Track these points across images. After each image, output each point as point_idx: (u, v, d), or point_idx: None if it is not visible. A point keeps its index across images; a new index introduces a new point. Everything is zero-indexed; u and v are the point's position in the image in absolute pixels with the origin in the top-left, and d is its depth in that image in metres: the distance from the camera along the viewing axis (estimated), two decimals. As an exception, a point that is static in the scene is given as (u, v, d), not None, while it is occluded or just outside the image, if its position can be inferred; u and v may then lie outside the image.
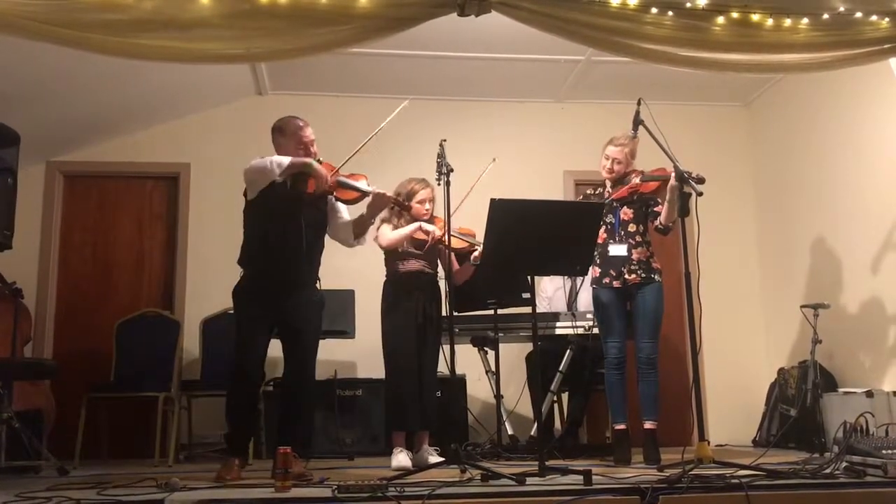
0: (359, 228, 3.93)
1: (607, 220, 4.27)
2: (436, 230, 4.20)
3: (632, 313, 4.27)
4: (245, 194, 3.79)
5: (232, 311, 3.86)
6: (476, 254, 4.24)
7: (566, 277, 5.28)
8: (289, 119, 3.85)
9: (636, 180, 4.22)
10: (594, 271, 4.33)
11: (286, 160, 3.67)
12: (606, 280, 4.26)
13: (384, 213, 4.39)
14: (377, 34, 3.81)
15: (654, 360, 4.20)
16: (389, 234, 4.25)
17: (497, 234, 3.54)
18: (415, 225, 4.23)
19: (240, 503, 2.83)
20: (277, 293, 3.68)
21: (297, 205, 3.71)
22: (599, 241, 4.29)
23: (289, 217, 3.69)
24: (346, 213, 3.98)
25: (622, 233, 4.28)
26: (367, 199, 3.88)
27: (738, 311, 6.12)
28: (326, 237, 3.97)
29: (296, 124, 3.82)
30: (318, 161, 3.77)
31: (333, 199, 3.89)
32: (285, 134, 3.81)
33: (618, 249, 4.24)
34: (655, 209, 4.28)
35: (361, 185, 3.84)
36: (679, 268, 3.82)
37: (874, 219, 4.90)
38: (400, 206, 3.97)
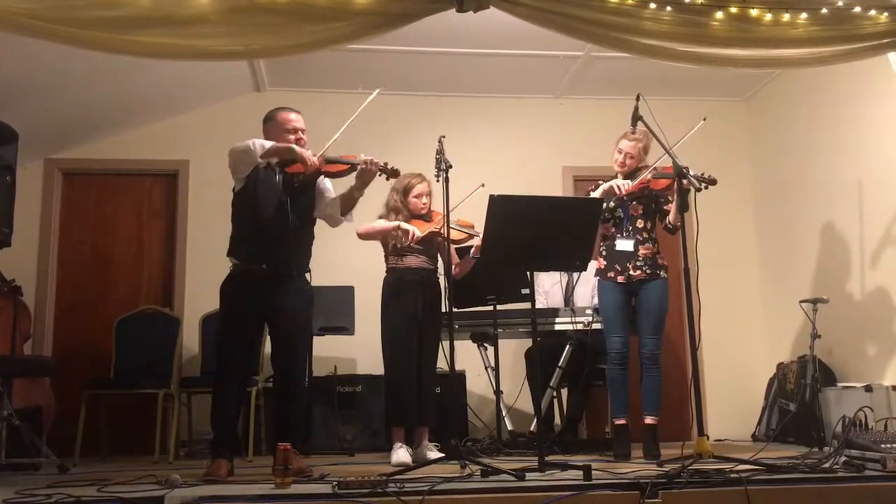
0: (346, 203, 3.81)
1: (616, 214, 4.27)
2: (415, 231, 4.14)
3: (636, 309, 4.27)
4: (234, 188, 3.78)
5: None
6: (476, 244, 4.22)
7: (563, 272, 5.28)
8: (278, 108, 3.86)
9: (648, 176, 4.21)
10: (600, 263, 4.34)
11: (269, 143, 3.66)
12: (611, 274, 4.26)
13: (382, 210, 4.40)
14: (376, 30, 3.80)
15: (657, 357, 4.20)
16: (370, 224, 4.23)
17: (496, 229, 3.55)
18: (394, 223, 4.19)
19: (240, 499, 2.83)
20: (264, 285, 3.65)
21: (283, 191, 3.68)
22: (607, 234, 4.30)
23: (275, 203, 3.65)
24: (332, 190, 3.91)
25: (630, 228, 4.28)
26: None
27: (737, 307, 6.12)
28: (317, 227, 3.93)
29: (283, 111, 3.81)
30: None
31: (322, 180, 3.84)
32: (273, 120, 3.81)
33: (624, 244, 4.25)
34: (665, 207, 4.28)
35: (349, 158, 3.76)
36: (678, 263, 3.82)
37: (873, 214, 4.90)
38: (388, 174, 3.79)
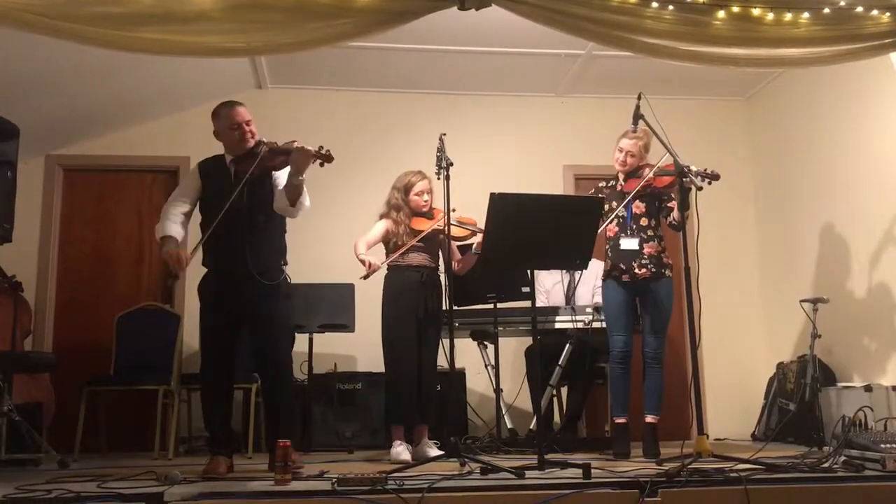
0: (290, 192, 3.62)
1: (619, 214, 4.27)
2: (373, 262, 4.10)
3: (640, 308, 4.27)
4: None
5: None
6: (477, 240, 4.21)
7: (564, 271, 5.28)
8: (223, 103, 3.81)
9: (650, 174, 4.21)
10: (606, 264, 4.33)
11: (164, 230, 3.70)
12: (616, 274, 4.26)
13: (383, 209, 4.40)
14: (377, 28, 3.80)
15: (661, 356, 4.20)
16: (359, 245, 4.21)
17: (497, 228, 3.55)
18: (361, 257, 4.15)
19: (240, 496, 2.84)
20: (228, 285, 3.65)
21: (233, 191, 3.60)
22: (611, 234, 4.30)
23: (225, 204, 3.58)
24: (283, 180, 3.77)
25: (634, 227, 4.27)
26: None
27: (737, 306, 6.12)
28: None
29: (225, 107, 3.77)
30: (260, 141, 3.71)
31: (276, 175, 3.75)
32: (218, 117, 3.78)
33: (629, 243, 4.24)
34: (668, 205, 4.27)
35: (286, 144, 3.65)
36: (678, 262, 3.82)
37: (873, 213, 4.90)
38: (322, 159, 3.59)
